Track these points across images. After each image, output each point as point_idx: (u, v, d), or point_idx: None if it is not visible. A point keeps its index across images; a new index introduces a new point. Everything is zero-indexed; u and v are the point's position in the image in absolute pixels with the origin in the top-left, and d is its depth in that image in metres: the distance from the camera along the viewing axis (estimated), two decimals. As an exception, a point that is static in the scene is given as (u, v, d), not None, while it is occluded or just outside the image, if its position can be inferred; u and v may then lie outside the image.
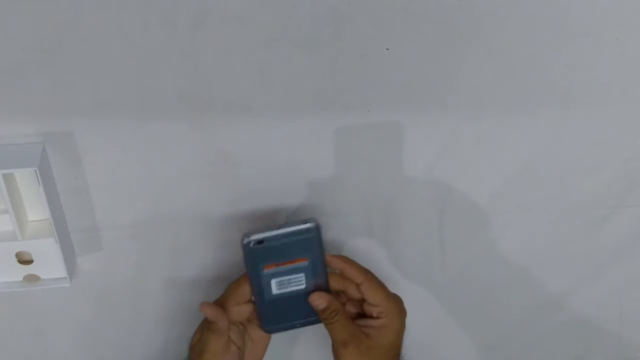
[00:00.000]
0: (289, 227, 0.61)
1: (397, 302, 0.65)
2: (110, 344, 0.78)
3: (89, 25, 0.55)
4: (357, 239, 0.73)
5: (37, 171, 0.57)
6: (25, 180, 0.62)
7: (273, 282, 0.63)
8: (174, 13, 0.55)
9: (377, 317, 0.64)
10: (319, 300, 0.63)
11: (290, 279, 0.63)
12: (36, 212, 0.64)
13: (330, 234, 0.72)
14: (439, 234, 0.74)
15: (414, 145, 0.67)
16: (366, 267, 0.65)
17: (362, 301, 0.65)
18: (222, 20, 0.56)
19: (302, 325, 0.66)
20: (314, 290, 0.63)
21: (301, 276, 0.63)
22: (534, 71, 0.63)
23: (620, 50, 0.62)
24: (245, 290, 0.64)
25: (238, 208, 0.69)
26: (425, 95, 0.63)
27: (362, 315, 0.66)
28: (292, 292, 0.63)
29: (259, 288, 0.63)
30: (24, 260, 0.64)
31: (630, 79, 0.64)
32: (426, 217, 0.73)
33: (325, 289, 0.64)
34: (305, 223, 0.61)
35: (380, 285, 0.65)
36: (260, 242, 0.61)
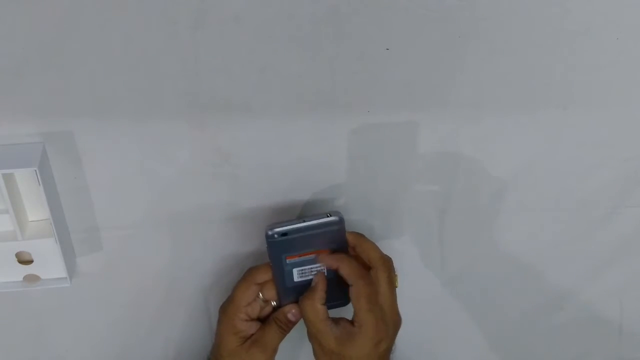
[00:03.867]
0: (312, 219, 0.62)
1: (378, 321, 0.61)
2: (110, 344, 0.78)
3: (89, 25, 0.55)
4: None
5: (37, 171, 0.57)
6: (25, 180, 0.62)
7: (295, 271, 0.64)
8: (174, 13, 0.55)
9: (353, 324, 0.61)
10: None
11: (311, 268, 0.64)
12: (36, 212, 0.64)
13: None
14: (439, 234, 0.74)
15: (414, 145, 0.67)
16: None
17: None
18: (222, 20, 0.56)
19: None
20: (334, 278, 0.63)
21: (322, 265, 0.64)
22: (534, 71, 0.62)
23: (620, 50, 0.62)
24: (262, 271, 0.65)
25: (238, 208, 0.69)
26: (425, 95, 0.63)
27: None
28: (312, 280, 0.64)
29: (281, 276, 0.64)
30: (24, 260, 0.64)
31: (630, 79, 0.64)
32: (426, 217, 0.73)
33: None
34: (329, 216, 0.62)
35: (369, 299, 0.61)
36: (284, 234, 0.61)
